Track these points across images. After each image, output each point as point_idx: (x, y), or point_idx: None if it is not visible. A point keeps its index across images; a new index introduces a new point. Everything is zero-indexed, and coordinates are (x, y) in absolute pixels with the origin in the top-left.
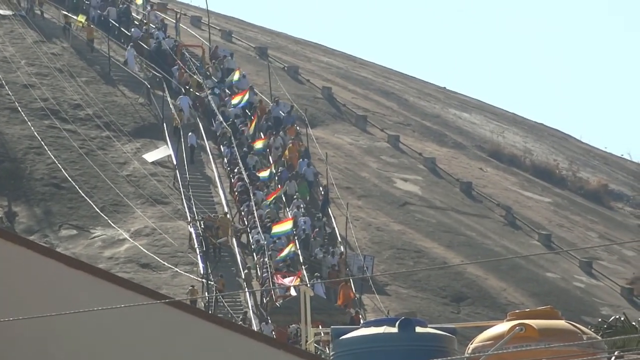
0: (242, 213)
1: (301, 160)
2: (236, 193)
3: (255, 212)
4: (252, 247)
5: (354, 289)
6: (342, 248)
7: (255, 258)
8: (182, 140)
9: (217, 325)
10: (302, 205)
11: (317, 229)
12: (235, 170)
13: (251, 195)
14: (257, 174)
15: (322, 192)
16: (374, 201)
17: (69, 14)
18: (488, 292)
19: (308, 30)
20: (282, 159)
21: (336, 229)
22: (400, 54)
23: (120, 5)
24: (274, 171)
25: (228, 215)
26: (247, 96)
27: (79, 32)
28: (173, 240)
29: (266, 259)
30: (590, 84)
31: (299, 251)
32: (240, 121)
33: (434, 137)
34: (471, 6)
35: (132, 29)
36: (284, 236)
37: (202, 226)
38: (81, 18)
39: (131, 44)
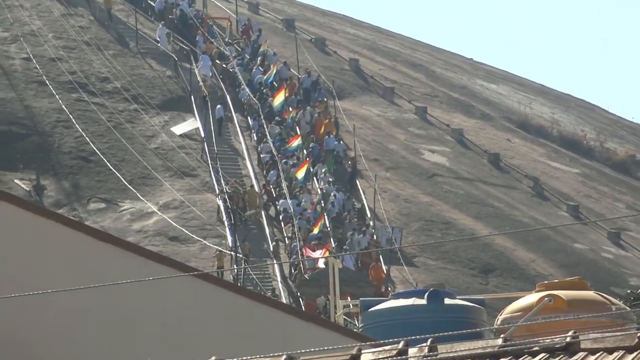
0: (270, 184)
1: (327, 137)
2: (264, 164)
3: (283, 181)
4: (280, 217)
5: (384, 267)
6: (372, 225)
7: (284, 228)
8: (210, 112)
9: (245, 298)
10: (330, 180)
11: (347, 212)
12: (263, 142)
13: (279, 165)
14: (285, 145)
15: (350, 165)
16: (402, 173)
17: None
18: (516, 263)
19: (335, 2)
20: (311, 136)
21: (364, 201)
22: (427, 25)
23: None
24: (303, 143)
25: (255, 188)
26: (275, 70)
27: (101, 3)
28: (201, 213)
29: (295, 231)
30: (617, 54)
31: (329, 229)
32: (267, 93)
33: (462, 108)
34: None
35: (156, 0)
36: (312, 206)
37: (230, 193)
38: None
39: (162, 22)
